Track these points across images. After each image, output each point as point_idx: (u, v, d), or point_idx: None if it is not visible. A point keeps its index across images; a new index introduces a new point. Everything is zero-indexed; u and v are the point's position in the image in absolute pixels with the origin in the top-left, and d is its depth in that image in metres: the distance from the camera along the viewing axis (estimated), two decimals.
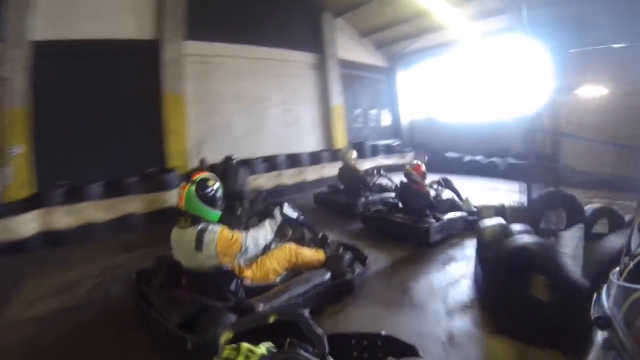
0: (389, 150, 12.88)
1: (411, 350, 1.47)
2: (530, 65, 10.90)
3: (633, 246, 1.06)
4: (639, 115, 8.67)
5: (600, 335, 1.04)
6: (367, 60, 13.41)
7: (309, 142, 11.29)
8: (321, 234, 4.01)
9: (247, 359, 1.16)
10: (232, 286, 2.93)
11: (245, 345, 1.21)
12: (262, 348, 1.22)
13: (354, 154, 7.62)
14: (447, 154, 12.16)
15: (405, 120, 14.63)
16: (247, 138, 9.94)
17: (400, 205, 5.84)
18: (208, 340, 2.36)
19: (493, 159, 10.91)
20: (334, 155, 11.08)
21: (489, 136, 11.81)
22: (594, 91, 9.72)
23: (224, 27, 9.40)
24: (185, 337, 2.43)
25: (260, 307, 2.77)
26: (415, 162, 6.10)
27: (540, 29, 9.44)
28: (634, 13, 8.41)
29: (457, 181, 7.27)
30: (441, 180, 6.50)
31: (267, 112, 10.43)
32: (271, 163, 9.48)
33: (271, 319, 1.45)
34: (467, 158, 11.56)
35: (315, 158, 10.49)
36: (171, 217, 3.35)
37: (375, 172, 7.67)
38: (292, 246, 3.55)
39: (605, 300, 1.09)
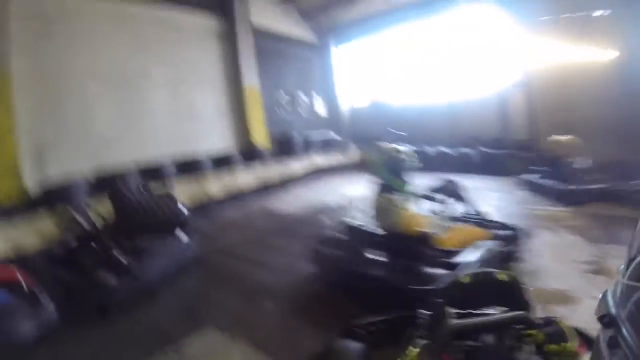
0: (326, 145, 10.24)
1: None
2: (495, 36, 9.00)
3: (638, 244, 1.04)
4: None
5: (604, 334, 1.01)
6: (292, 32, 10.58)
7: (213, 138, 8.23)
8: None
9: None
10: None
11: None
12: None
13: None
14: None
15: (344, 107, 12.06)
16: (119, 138, 6.65)
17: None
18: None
19: (463, 150, 8.97)
20: (251, 155, 8.16)
21: (452, 122, 9.80)
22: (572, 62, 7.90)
23: None
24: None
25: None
26: None
27: None
28: None
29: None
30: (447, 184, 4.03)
31: (148, 97, 7.17)
32: (152, 174, 6.37)
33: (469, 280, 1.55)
34: (433, 150, 9.43)
35: (221, 161, 7.51)
36: None
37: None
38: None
39: (610, 298, 1.05)
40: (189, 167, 7.02)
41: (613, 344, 0.95)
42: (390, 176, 3.35)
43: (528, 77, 8.43)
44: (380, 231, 3.40)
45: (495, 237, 3.41)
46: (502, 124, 8.94)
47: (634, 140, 6.85)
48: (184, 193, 6.45)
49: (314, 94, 11.37)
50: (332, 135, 10.76)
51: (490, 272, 1.61)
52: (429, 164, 8.66)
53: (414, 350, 1.53)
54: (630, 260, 1.04)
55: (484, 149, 8.70)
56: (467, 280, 1.58)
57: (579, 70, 7.80)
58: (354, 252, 3.37)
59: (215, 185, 7.02)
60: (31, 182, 5.44)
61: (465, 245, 3.22)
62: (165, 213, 4.50)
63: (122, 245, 3.85)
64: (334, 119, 11.79)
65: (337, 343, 1.79)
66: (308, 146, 9.75)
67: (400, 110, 10.87)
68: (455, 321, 1.44)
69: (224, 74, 8.57)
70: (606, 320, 1.00)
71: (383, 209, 3.26)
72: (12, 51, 5.38)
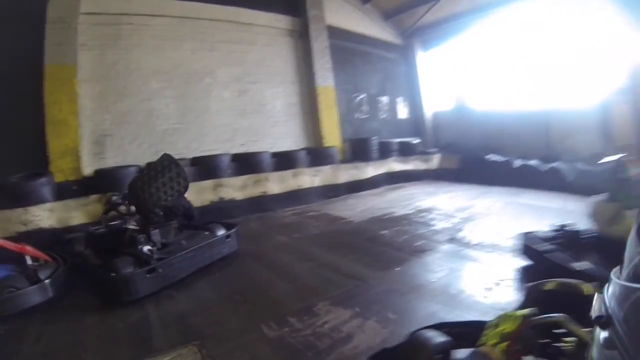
0: (406, 151, 9.42)
1: None
2: (598, 34, 7.37)
3: (635, 244, 1.02)
4: None
5: (601, 335, 1.01)
6: (372, 33, 10.11)
7: (279, 136, 8.02)
8: None
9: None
10: None
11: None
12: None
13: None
14: (487, 157, 8.58)
15: (428, 112, 11.11)
16: (179, 132, 6.85)
17: None
18: None
19: (555, 164, 7.46)
20: (318, 156, 7.83)
21: (546, 131, 8.37)
22: None
23: None
24: None
25: None
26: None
27: None
28: None
29: (506, 197, 6.40)
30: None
31: (211, 94, 7.26)
32: (206, 166, 6.43)
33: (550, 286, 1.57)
34: (518, 163, 8.04)
35: (284, 160, 7.30)
36: None
37: None
38: None
39: (607, 299, 1.05)
40: (250, 164, 6.88)
41: (609, 345, 0.94)
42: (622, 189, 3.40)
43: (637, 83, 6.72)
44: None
45: None
46: (603, 137, 7.41)
47: None
48: (238, 189, 6.42)
49: (396, 97, 10.70)
50: (413, 140, 9.89)
51: (576, 284, 1.55)
52: (508, 177, 7.69)
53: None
54: (627, 261, 1.03)
55: (579, 165, 7.11)
56: (550, 287, 1.60)
57: None
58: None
59: (276, 184, 6.82)
60: (89, 165, 5.86)
61: None
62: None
63: (150, 236, 3.68)
64: (416, 124, 10.88)
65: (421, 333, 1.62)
66: (386, 151, 9.04)
67: (485, 116, 9.65)
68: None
69: (295, 72, 8.40)
70: (603, 321, 0.99)
71: (609, 216, 3.35)
72: (80, 46, 5.91)
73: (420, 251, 4.12)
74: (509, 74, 9.51)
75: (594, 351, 1.05)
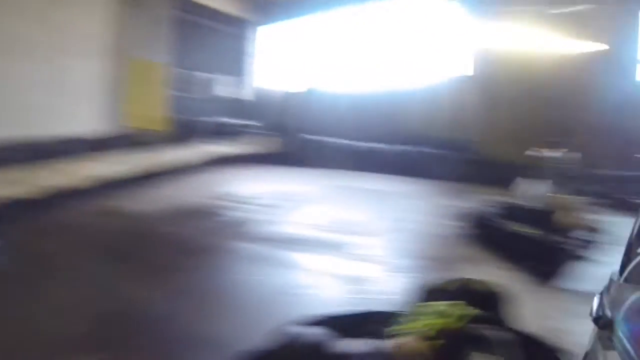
0: (243, 133, 9.46)
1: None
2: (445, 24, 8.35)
3: (634, 246, 1.09)
4: None
5: (600, 335, 1.05)
6: (216, 5, 9.57)
7: (85, 118, 7.15)
8: None
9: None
10: None
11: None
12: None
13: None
14: (327, 140, 8.95)
15: (273, 93, 11.23)
16: None
17: None
18: None
19: (403, 148, 8.14)
20: (132, 140, 7.38)
21: (392, 115, 8.88)
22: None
23: None
24: None
25: None
26: None
27: None
28: None
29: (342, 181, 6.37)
30: None
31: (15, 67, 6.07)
32: None
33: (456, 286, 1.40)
34: (361, 145, 8.54)
35: (86, 146, 6.67)
36: None
37: None
38: None
39: (606, 300, 1.09)
40: (38, 151, 6.04)
41: (608, 345, 0.95)
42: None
43: (482, 71, 7.81)
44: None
45: None
46: (448, 121, 8.30)
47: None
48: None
49: (237, 75, 10.49)
50: (253, 122, 9.99)
51: (481, 282, 1.46)
52: (352, 162, 8.05)
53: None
54: (626, 262, 1.07)
55: (427, 149, 7.94)
56: (451, 286, 1.44)
57: (549, 66, 7.41)
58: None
59: (68, 175, 6.18)
60: None
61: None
62: None
63: None
64: (258, 105, 10.95)
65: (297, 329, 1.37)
66: (216, 133, 8.96)
67: (337, 99, 9.96)
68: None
69: (114, 43, 7.41)
70: (601, 321, 1.01)
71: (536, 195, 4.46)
72: None
73: (220, 251, 3.87)
74: (358, 56, 10.10)
75: (594, 352, 1.03)
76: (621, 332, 0.92)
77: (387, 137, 8.64)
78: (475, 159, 7.71)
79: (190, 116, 8.81)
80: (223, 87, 10.10)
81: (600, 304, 1.08)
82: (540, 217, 4.31)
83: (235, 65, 10.47)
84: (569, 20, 7.39)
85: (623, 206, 5.96)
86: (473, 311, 1.22)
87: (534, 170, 5.23)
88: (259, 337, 1.37)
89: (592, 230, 4.46)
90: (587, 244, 4.28)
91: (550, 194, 4.57)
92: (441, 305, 1.26)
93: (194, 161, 7.71)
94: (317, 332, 1.33)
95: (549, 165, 5.48)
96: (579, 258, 3.94)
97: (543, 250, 3.99)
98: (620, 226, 4.65)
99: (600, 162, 6.73)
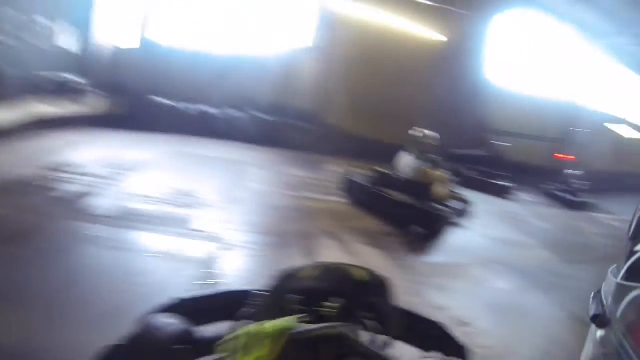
0: (62, 90, 8.65)
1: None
2: None
3: (632, 245, 1.10)
4: None
5: (598, 333, 1.03)
6: None
7: None
8: None
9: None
10: None
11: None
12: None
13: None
14: (154, 100, 8.75)
15: (104, 45, 10.31)
16: None
17: None
18: None
19: (231, 112, 8.23)
20: None
21: (223, 77, 8.92)
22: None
23: None
24: None
25: None
26: None
27: None
28: None
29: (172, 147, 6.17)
30: None
31: None
32: None
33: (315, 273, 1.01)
34: (191, 108, 8.50)
35: None
36: None
37: None
38: None
39: (604, 298, 1.07)
40: None
41: (606, 343, 0.95)
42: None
43: (328, 45, 8.06)
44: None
45: None
46: (283, 89, 8.44)
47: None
48: None
49: (60, 20, 9.24)
50: (75, 78, 9.16)
51: (344, 268, 1.09)
52: (178, 125, 7.89)
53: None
54: (625, 261, 1.05)
55: (258, 115, 8.06)
56: (309, 273, 1.04)
57: (395, 49, 8.01)
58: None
59: None
60: None
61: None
62: None
63: None
64: (85, 58, 9.98)
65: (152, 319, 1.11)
66: (32, 89, 8.01)
67: (173, 55, 9.60)
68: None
69: None
70: (600, 320, 1.01)
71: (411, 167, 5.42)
72: None
73: (47, 235, 3.20)
74: (198, 12, 9.75)
75: (591, 350, 1.03)
76: (619, 330, 0.91)
77: (220, 101, 8.75)
78: (317, 130, 8.18)
79: (23, 70, 7.65)
80: (66, 38, 8.87)
81: (598, 302, 1.07)
82: (414, 187, 5.11)
83: (64, 9, 9.15)
84: (423, 11, 8.15)
85: (472, 183, 7.37)
86: (290, 324, 0.87)
87: (402, 147, 5.84)
88: (106, 340, 0.97)
89: (462, 201, 5.72)
90: (459, 212, 5.33)
91: (423, 168, 5.25)
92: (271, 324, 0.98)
93: (17, 124, 6.79)
94: (173, 319, 1.11)
95: (413, 143, 5.82)
96: (452, 224, 5.01)
97: (422, 215, 4.75)
98: (476, 200, 6.15)
99: (454, 143, 7.50)
